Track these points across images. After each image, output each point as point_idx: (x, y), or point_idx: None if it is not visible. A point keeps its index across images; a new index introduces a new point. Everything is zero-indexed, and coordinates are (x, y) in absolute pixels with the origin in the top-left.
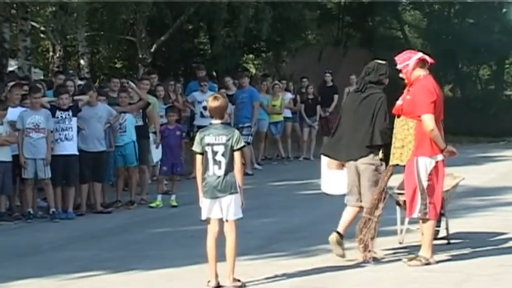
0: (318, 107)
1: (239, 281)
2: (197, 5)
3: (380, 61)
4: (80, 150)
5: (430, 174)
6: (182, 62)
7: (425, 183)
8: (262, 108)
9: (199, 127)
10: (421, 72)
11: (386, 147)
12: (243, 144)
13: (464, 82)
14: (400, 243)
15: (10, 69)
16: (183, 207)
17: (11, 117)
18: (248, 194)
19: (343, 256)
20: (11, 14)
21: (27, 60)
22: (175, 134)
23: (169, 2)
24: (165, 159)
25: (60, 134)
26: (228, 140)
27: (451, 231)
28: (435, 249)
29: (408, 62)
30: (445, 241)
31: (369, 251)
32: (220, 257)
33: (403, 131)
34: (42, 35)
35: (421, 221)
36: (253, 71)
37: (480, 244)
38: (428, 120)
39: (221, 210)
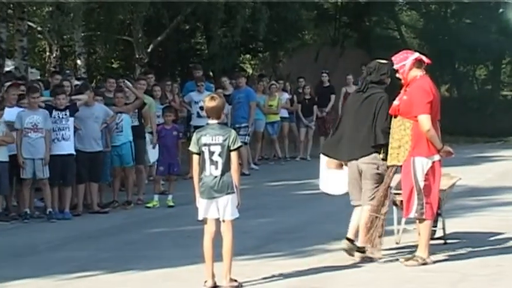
0: (315, 107)
1: (236, 281)
2: (194, 5)
3: (381, 61)
4: (76, 150)
5: (426, 174)
6: (179, 62)
7: (422, 184)
8: (259, 108)
9: (196, 127)
10: (417, 73)
11: (387, 147)
12: (239, 144)
13: (461, 82)
14: (397, 243)
15: (7, 69)
16: (180, 208)
17: (8, 118)
18: (245, 194)
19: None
20: (7, 14)
21: (24, 60)
22: (172, 134)
23: (166, 2)
24: (161, 159)
25: (57, 134)
26: (224, 140)
27: (447, 231)
28: (432, 249)
29: (405, 62)
30: (441, 241)
31: (378, 250)
32: (217, 257)
33: (400, 131)
34: (39, 35)
35: (417, 221)
36: (250, 71)
37: (477, 244)
38: (425, 121)
39: (218, 211)
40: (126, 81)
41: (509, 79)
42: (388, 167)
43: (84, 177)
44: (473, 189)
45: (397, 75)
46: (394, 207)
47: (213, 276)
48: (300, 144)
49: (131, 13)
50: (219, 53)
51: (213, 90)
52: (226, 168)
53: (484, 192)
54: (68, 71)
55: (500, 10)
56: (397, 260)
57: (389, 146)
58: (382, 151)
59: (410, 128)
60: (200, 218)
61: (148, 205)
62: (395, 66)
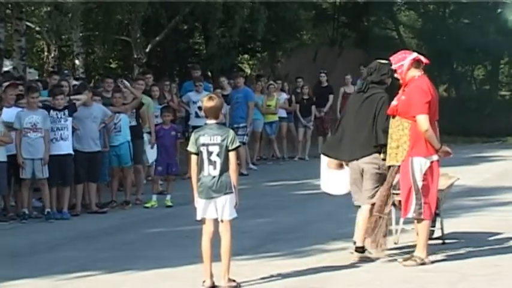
0: (313, 107)
1: (234, 281)
2: (192, 5)
3: (382, 61)
4: (74, 150)
5: (425, 174)
6: (177, 62)
7: (420, 184)
8: (257, 108)
9: (194, 127)
10: (416, 73)
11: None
12: (237, 144)
13: (459, 82)
14: (395, 243)
15: (5, 69)
16: (178, 208)
17: (6, 118)
18: (243, 194)
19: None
20: (5, 14)
21: (22, 60)
22: (170, 134)
23: (164, 2)
24: (160, 159)
25: (55, 134)
26: (223, 140)
27: (446, 231)
28: (430, 249)
29: (403, 62)
30: (440, 241)
31: (382, 250)
32: (215, 257)
33: (398, 131)
34: (37, 35)
35: (416, 221)
36: (249, 71)
37: (475, 244)
38: (423, 121)
39: (216, 211)
40: (124, 80)
41: (507, 79)
42: (389, 167)
43: (83, 177)
44: (472, 189)
45: (395, 75)
46: (393, 207)
47: (212, 276)
48: (298, 144)
49: (129, 13)
50: (217, 53)
51: (211, 90)
52: (225, 168)
53: (482, 192)
54: (66, 71)
55: (499, 10)
56: (396, 260)
57: (388, 146)
58: (383, 151)
59: (409, 128)
60: (198, 218)
61: (147, 205)
62: (393, 66)
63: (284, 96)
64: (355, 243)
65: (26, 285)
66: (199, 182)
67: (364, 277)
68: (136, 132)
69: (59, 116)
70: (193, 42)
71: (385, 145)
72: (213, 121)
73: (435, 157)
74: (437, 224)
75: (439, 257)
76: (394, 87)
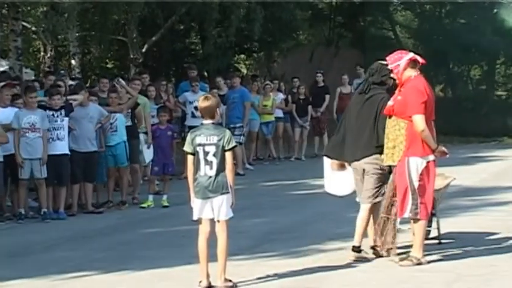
0: (309, 107)
1: (230, 281)
2: (188, 5)
3: (383, 62)
4: (71, 150)
5: (421, 174)
6: (173, 62)
7: (416, 184)
8: (253, 108)
9: (191, 127)
10: (412, 73)
11: None
12: (234, 144)
13: (455, 82)
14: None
15: (1, 69)
16: (175, 208)
17: (1, 118)
18: (240, 194)
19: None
20: (1, 14)
21: (18, 60)
22: (166, 134)
23: (160, 2)
24: (156, 159)
25: (51, 134)
26: (219, 140)
27: (442, 231)
28: (426, 249)
29: (399, 62)
30: (436, 241)
31: (393, 251)
32: (212, 257)
33: (395, 131)
34: (33, 35)
35: (412, 221)
36: (245, 71)
37: (471, 244)
38: (419, 121)
39: (212, 211)
40: (120, 79)
41: (503, 79)
42: (389, 167)
43: (79, 177)
44: (468, 189)
45: (392, 75)
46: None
47: (208, 276)
48: (294, 145)
49: (126, 13)
50: (213, 53)
51: (208, 90)
52: (221, 168)
53: (479, 192)
54: (62, 71)
55: (495, 10)
56: (392, 260)
57: (385, 146)
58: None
59: (405, 128)
60: (195, 218)
61: (143, 205)
62: (389, 66)
63: (281, 96)
64: (353, 249)
65: (22, 285)
66: (195, 182)
67: (360, 277)
68: (131, 132)
69: (56, 116)
70: (189, 42)
71: None
72: (209, 121)
73: (431, 157)
74: (434, 224)
75: (435, 257)
76: (390, 87)
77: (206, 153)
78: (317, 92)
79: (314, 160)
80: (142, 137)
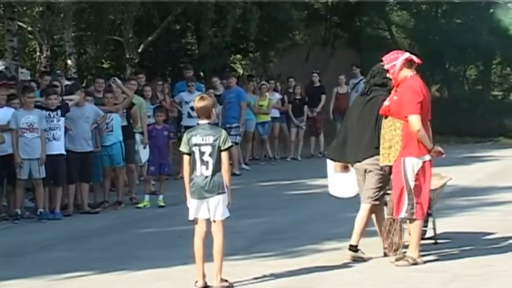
0: (305, 107)
1: (226, 281)
2: (184, 5)
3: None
4: (67, 150)
5: (417, 174)
6: (169, 62)
7: (412, 184)
8: (249, 108)
9: (187, 127)
10: (408, 73)
11: None
12: (230, 144)
13: (451, 82)
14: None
15: None
16: (171, 208)
17: None
18: (236, 194)
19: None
20: None
21: (14, 60)
22: (163, 134)
23: (156, 2)
24: (152, 159)
25: (48, 134)
26: (215, 141)
27: (438, 231)
28: (422, 249)
29: (395, 62)
30: (432, 241)
31: (399, 253)
32: (208, 257)
33: (391, 131)
34: (29, 35)
35: (408, 221)
36: (241, 71)
37: (467, 244)
38: (415, 121)
39: (208, 211)
40: (116, 78)
41: (499, 79)
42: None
43: (75, 178)
44: (464, 189)
45: (388, 75)
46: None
47: (204, 276)
48: (290, 145)
49: (122, 13)
50: (209, 53)
51: (204, 90)
52: (217, 168)
53: (475, 192)
54: (58, 71)
55: (491, 10)
56: (388, 260)
57: (381, 146)
58: None
59: (401, 128)
60: (191, 218)
61: (139, 205)
62: (385, 66)
63: (277, 96)
64: (350, 248)
65: (18, 285)
66: (191, 182)
67: (356, 277)
68: (127, 133)
69: (52, 116)
70: (185, 42)
71: None
72: (205, 121)
73: (427, 157)
74: (430, 224)
75: (431, 257)
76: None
77: (202, 153)
78: (313, 92)
79: (310, 160)
80: (138, 137)
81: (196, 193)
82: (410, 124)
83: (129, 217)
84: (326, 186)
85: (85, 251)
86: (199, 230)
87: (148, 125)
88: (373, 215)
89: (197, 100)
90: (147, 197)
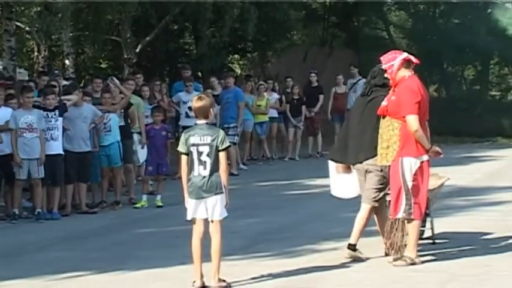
0: (303, 107)
1: (224, 281)
2: (182, 5)
3: None
4: (65, 150)
5: (415, 174)
6: (167, 62)
7: (410, 184)
8: (247, 108)
9: (185, 127)
10: (406, 73)
11: None
12: (228, 144)
13: (449, 82)
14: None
15: None
16: (169, 208)
17: None
18: (233, 194)
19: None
20: None
21: (12, 60)
22: (161, 134)
23: (154, 2)
24: (150, 159)
25: (46, 134)
26: (213, 141)
27: (436, 231)
28: (420, 249)
29: (393, 62)
30: (430, 241)
31: (401, 253)
32: (206, 257)
33: (388, 131)
34: (27, 35)
35: (406, 221)
36: (239, 71)
37: (465, 244)
38: (413, 121)
39: (206, 211)
40: (113, 78)
41: (497, 79)
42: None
43: (73, 178)
44: (462, 189)
45: (386, 75)
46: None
47: (202, 276)
48: (288, 145)
49: (119, 13)
50: (207, 53)
51: (202, 90)
52: (215, 168)
53: (473, 192)
54: (56, 71)
55: (489, 10)
56: (386, 260)
57: (379, 146)
58: None
59: (399, 128)
60: (189, 218)
61: (137, 205)
62: (383, 66)
63: (275, 96)
64: (349, 247)
65: (16, 285)
66: (189, 182)
67: (354, 277)
68: (125, 133)
69: (50, 116)
70: (183, 42)
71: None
72: (203, 121)
73: (425, 157)
74: (428, 224)
75: (429, 257)
76: None
77: (200, 154)
78: (311, 92)
79: (308, 160)
80: (136, 137)
81: (194, 193)
82: (408, 124)
83: (127, 217)
84: (324, 186)
85: (83, 251)
86: (197, 230)
87: (147, 125)
88: (375, 215)
89: (195, 100)
90: (144, 197)
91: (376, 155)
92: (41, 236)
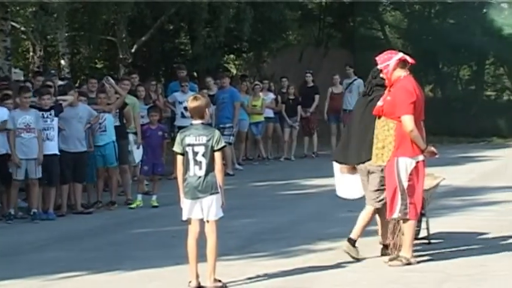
0: (299, 107)
1: (220, 281)
2: (178, 5)
3: None
4: (60, 150)
5: (410, 174)
6: (163, 62)
7: (405, 184)
8: (243, 108)
9: (180, 127)
10: (401, 73)
11: None
12: (223, 144)
13: (444, 82)
14: (381, 243)
15: None
16: (164, 208)
17: None
18: (229, 195)
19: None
20: None
21: (7, 60)
22: (157, 134)
23: (149, 2)
24: (146, 159)
25: (41, 134)
26: (208, 141)
27: (431, 231)
28: (416, 249)
29: (389, 62)
30: (425, 241)
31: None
32: (202, 257)
33: (384, 131)
34: (22, 35)
35: (401, 221)
36: (234, 71)
37: (461, 244)
38: (408, 121)
39: (202, 211)
40: (109, 77)
41: (492, 79)
42: None
43: (68, 178)
44: (457, 189)
45: (381, 75)
46: None
47: (197, 276)
48: (284, 145)
49: (115, 13)
50: (203, 53)
51: (197, 90)
52: (210, 168)
53: (468, 192)
54: (52, 71)
55: (484, 11)
56: (382, 260)
57: (374, 146)
58: None
59: (394, 128)
60: (184, 218)
61: (132, 205)
62: (379, 66)
63: (271, 96)
64: (349, 241)
65: (12, 285)
66: (185, 182)
67: (350, 277)
68: (120, 133)
69: (45, 117)
70: (179, 43)
71: None
72: (198, 121)
73: (421, 157)
74: (423, 224)
75: (425, 257)
76: None
77: (195, 154)
78: (306, 92)
79: (303, 160)
80: (131, 137)
81: (190, 193)
82: (403, 124)
83: (122, 217)
84: (320, 186)
85: (78, 251)
86: (193, 230)
87: (143, 125)
88: (377, 216)
89: (190, 100)
90: (139, 197)
91: None
92: (36, 236)
